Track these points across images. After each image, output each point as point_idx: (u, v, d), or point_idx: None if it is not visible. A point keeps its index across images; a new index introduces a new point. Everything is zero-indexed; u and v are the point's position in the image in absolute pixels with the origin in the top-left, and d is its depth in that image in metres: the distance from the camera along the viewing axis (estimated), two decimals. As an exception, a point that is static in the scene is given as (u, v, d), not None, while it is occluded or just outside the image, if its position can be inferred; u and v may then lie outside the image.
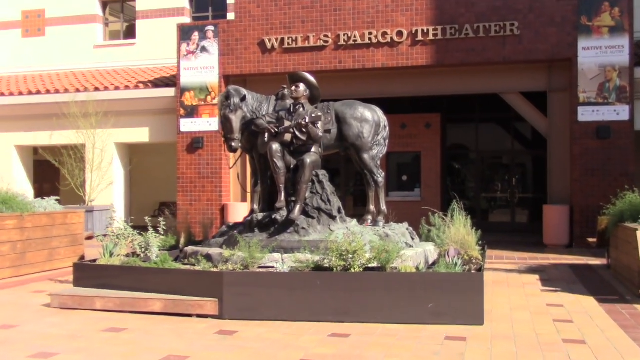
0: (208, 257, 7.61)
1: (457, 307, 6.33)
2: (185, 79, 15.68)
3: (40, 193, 17.72)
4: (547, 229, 13.87)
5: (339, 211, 8.03)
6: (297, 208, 7.70)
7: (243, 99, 8.38)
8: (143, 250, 8.14)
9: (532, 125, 15.70)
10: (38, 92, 17.11)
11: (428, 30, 14.08)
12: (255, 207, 8.73)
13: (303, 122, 7.76)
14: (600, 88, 13.33)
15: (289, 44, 14.87)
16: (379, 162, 8.82)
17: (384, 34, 14.34)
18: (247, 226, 8.07)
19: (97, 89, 16.66)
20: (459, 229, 7.98)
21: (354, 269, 6.54)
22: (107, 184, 16.57)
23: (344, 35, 14.54)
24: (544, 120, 14.42)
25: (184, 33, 15.74)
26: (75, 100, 15.95)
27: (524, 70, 14.31)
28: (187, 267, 7.45)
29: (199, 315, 6.64)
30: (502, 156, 18.84)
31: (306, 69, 13.65)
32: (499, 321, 6.59)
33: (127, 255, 8.23)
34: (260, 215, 8.04)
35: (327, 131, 8.45)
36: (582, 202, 13.34)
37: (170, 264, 7.18)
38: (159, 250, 8.45)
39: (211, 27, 15.59)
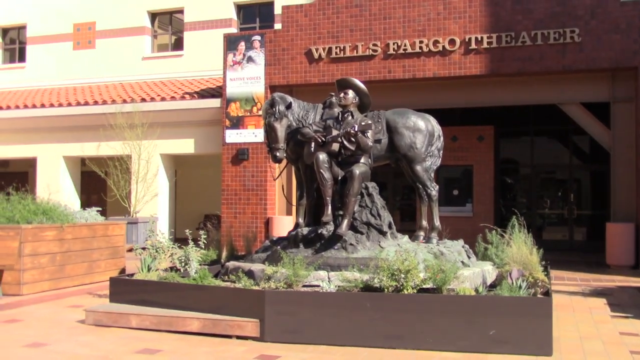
0: (250, 274, 7.17)
1: (522, 335, 5.71)
2: (231, 90, 15.43)
3: (87, 204, 17.66)
4: (611, 248, 12.98)
5: (390, 226, 7.49)
6: (345, 222, 7.19)
7: (289, 106, 7.96)
8: (183, 264, 7.77)
9: (590, 138, 14.87)
10: (86, 103, 17.14)
11: (482, 38, 13.45)
12: (301, 221, 8.27)
13: (352, 131, 7.26)
14: (669, 98, 12.43)
15: (336, 53, 14.45)
16: (432, 175, 8.26)
17: (436, 42, 13.77)
18: (292, 241, 7.59)
19: (143, 100, 16.57)
20: (520, 248, 7.35)
21: (407, 290, 5.99)
22: (152, 196, 16.40)
23: (394, 44, 14.03)
24: (606, 132, 13.56)
25: (230, 43, 15.50)
26: (121, 112, 15.87)
27: (585, 80, 13.51)
28: (227, 284, 7.02)
29: (238, 337, 6.19)
30: (558, 171, 17.94)
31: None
32: (569, 352, 5.93)
33: (167, 270, 7.88)
34: (305, 230, 7.55)
35: (377, 141, 7.94)
36: (649, 220, 12.43)
37: (209, 280, 6.77)
38: (200, 265, 8.08)
39: (257, 37, 15.32)
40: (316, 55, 14.63)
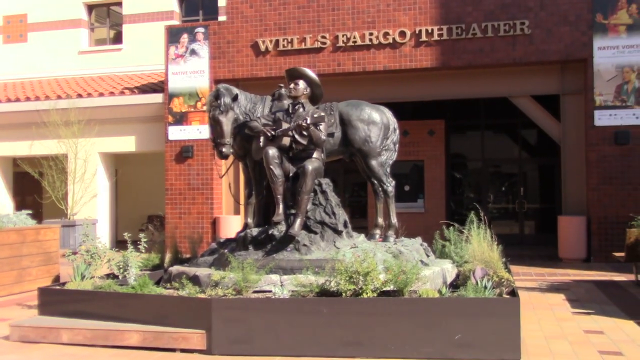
0: (195, 280, 6.60)
1: (489, 339, 5.35)
2: (173, 84, 14.71)
3: (21, 206, 16.60)
4: (563, 241, 12.91)
5: (345, 225, 7.03)
6: (298, 222, 6.69)
7: (235, 98, 7.40)
8: (121, 271, 7.12)
9: (539, 132, 14.80)
10: (17, 100, 16.10)
11: (433, 30, 13.18)
12: (250, 221, 7.73)
13: (304, 124, 6.77)
14: (618, 90, 12.43)
15: (284, 45, 13.94)
16: (388, 170, 7.85)
17: (386, 34, 13.44)
18: (240, 243, 7.04)
19: (79, 96, 15.66)
20: (480, 244, 7.01)
21: (367, 293, 5.55)
22: (90, 197, 15.52)
23: (343, 36, 13.63)
24: (556, 125, 13.50)
25: (172, 35, 14.78)
26: (56, 108, 14.92)
27: (536, 72, 13.40)
28: (170, 291, 6.42)
29: (183, 350, 5.62)
30: (508, 164, 17.88)
31: (303, 71, 12.67)
32: (536, 354, 5.61)
33: (104, 277, 7.22)
34: (255, 231, 7.01)
35: (330, 135, 7.48)
36: (599, 212, 12.40)
37: (150, 288, 6.16)
38: (140, 270, 7.45)
39: (201, 29, 14.65)
40: (263, 48, 14.09)
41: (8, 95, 16.54)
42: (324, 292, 5.77)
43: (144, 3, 18.60)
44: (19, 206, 16.89)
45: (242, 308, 5.62)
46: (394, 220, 7.80)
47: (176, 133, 14.65)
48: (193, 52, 14.63)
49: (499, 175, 18.14)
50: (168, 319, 5.79)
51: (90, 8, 19.63)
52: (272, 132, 6.96)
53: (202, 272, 6.75)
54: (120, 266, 7.08)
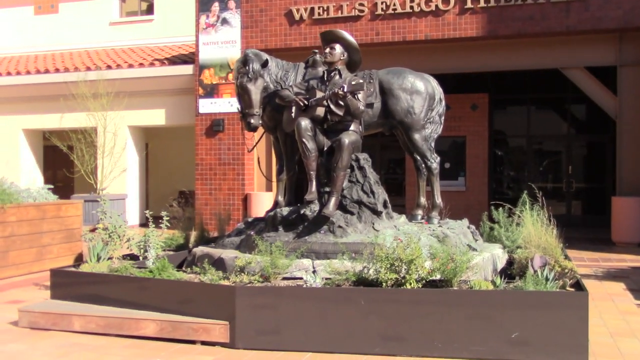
0: (219, 263, 6.03)
1: (551, 337, 4.65)
2: (204, 55, 14.11)
3: (52, 181, 16.36)
4: (617, 224, 12.01)
5: (385, 205, 6.35)
6: (332, 201, 6.04)
7: (265, 64, 6.73)
8: (142, 251, 6.59)
9: (588, 107, 13.82)
10: (46, 71, 15.72)
11: (479, -5, 12.26)
12: (280, 199, 7.13)
13: (340, 92, 6.06)
14: (682, 61, 11.38)
15: (319, 14, 13.18)
16: (432, 145, 7.13)
17: (428, 1, 12.57)
18: (270, 223, 6.43)
19: (109, 67, 15.19)
20: (537, 228, 6.27)
21: (410, 283, 4.89)
22: (120, 171, 15.10)
23: (382, 3, 12.79)
24: (612, 99, 12.49)
25: (203, 4, 14.14)
26: (84, 80, 14.46)
27: (591, 42, 12.39)
28: (191, 276, 5.85)
29: (204, 342, 5.06)
30: (554, 141, 16.87)
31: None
32: (605, 356, 4.89)
33: (123, 258, 6.70)
34: (285, 210, 6.39)
35: (369, 105, 6.78)
36: (658, 193, 11.46)
37: (169, 272, 5.58)
38: (163, 250, 6.92)
39: (233, -3, 13.96)
40: (297, 17, 13.36)
41: (38, 67, 16.17)
42: (361, 281, 5.12)
43: (176, -28, 17.95)
44: (50, 180, 16.64)
45: (269, 297, 5.02)
46: (439, 200, 7.10)
47: (207, 106, 14.09)
48: (224, 21, 13.98)
49: (544, 152, 17.17)
50: (188, 307, 5.22)
51: (121, -22, 19.09)
52: (305, 102, 6.29)
53: (227, 254, 6.17)
54: (141, 246, 6.54)
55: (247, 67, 6.63)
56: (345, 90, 6.04)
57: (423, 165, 7.10)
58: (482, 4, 12.24)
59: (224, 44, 13.99)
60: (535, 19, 12.10)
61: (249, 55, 6.72)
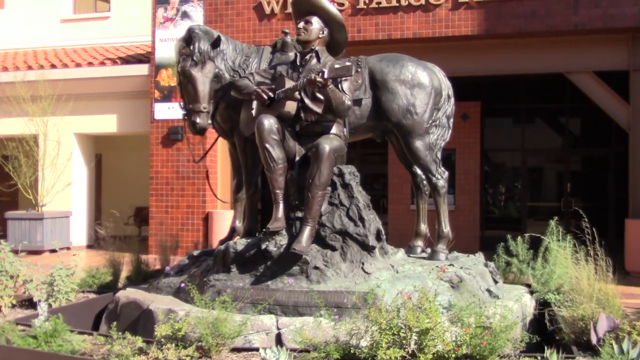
0: (147, 317, 4.27)
1: None
2: (161, 53, 12.36)
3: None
4: (631, 250, 10.49)
5: (378, 237, 4.64)
6: (307, 232, 4.31)
7: (216, 43, 5.00)
8: (45, 297, 4.79)
9: (590, 118, 12.37)
10: (-19, 71, 13.79)
11: (475, -11, 10.78)
12: (238, 224, 5.40)
13: (319, 79, 4.34)
14: None
15: (293, 7, 11.54)
16: (439, 155, 5.46)
17: (417, -6, 11.05)
18: (219, 261, 4.66)
19: (53, 67, 13.33)
20: (584, 271, 4.62)
21: (425, 365, 3.18)
22: (64, 185, 13.22)
23: (365, -5, 11.25)
24: (625, 107, 11.03)
25: (161, -5, 12.42)
26: (22, 80, 12.58)
27: (600, 43, 10.94)
28: (92, 346, 4.03)
29: None
30: (552, 155, 15.40)
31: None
32: None
33: (21, 306, 4.90)
34: (240, 244, 4.61)
35: (357, 102, 5.09)
36: (680, 215, 9.98)
37: (61, 340, 3.74)
38: (83, 292, 5.13)
39: (195, -12, 12.27)
40: (268, 10, 11.74)
41: (-27, 66, 14.24)
42: (349, 357, 3.39)
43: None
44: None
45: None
46: (446, 228, 5.41)
47: (163, 111, 12.33)
48: (185, 15, 12.26)
49: (539, 167, 15.69)
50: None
51: (75, -30, 17.27)
52: (270, 94, 4.58)
53: (159, 304, 4.41)
54: (43, 290, 4.73)
55: (191, 48, 4.88)
56: (325, 76, 4.32)
57: (426, 181, 5.42)
58: (478, -2, 10.75)
59: (184, 40, 12.24)
60: (538, 16, 10.65)
61: (195, 32, 4.98)
